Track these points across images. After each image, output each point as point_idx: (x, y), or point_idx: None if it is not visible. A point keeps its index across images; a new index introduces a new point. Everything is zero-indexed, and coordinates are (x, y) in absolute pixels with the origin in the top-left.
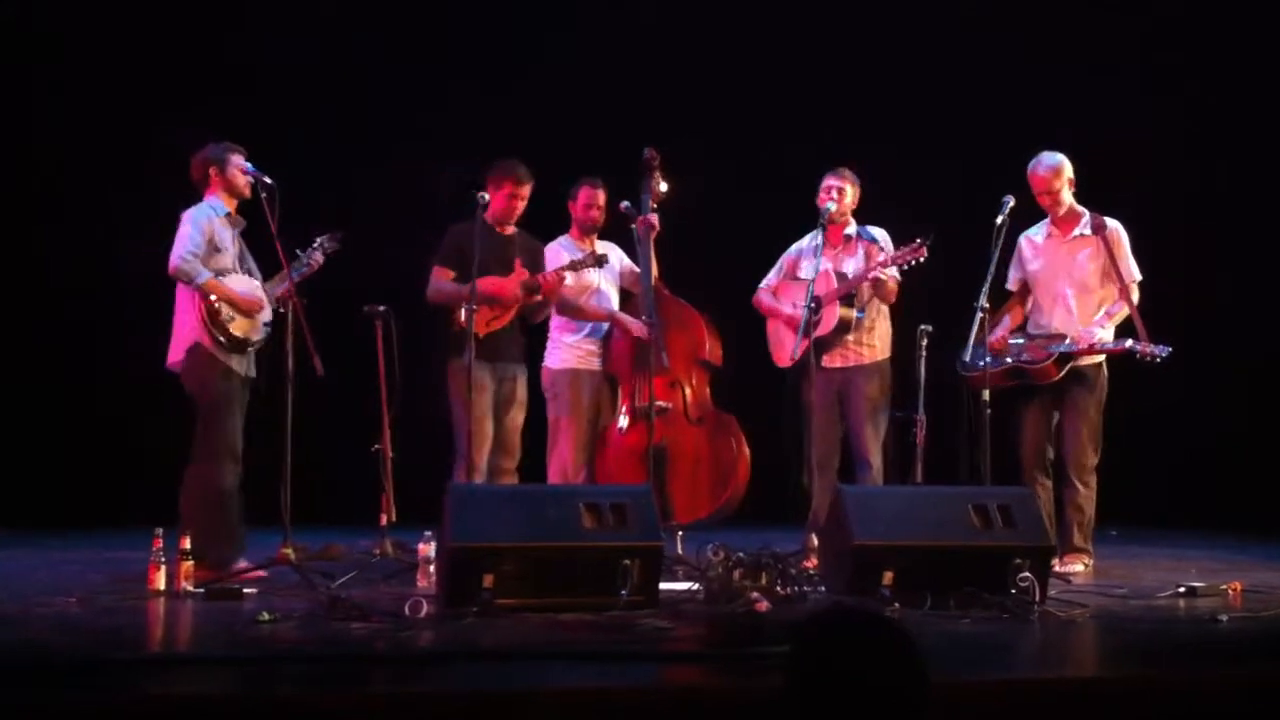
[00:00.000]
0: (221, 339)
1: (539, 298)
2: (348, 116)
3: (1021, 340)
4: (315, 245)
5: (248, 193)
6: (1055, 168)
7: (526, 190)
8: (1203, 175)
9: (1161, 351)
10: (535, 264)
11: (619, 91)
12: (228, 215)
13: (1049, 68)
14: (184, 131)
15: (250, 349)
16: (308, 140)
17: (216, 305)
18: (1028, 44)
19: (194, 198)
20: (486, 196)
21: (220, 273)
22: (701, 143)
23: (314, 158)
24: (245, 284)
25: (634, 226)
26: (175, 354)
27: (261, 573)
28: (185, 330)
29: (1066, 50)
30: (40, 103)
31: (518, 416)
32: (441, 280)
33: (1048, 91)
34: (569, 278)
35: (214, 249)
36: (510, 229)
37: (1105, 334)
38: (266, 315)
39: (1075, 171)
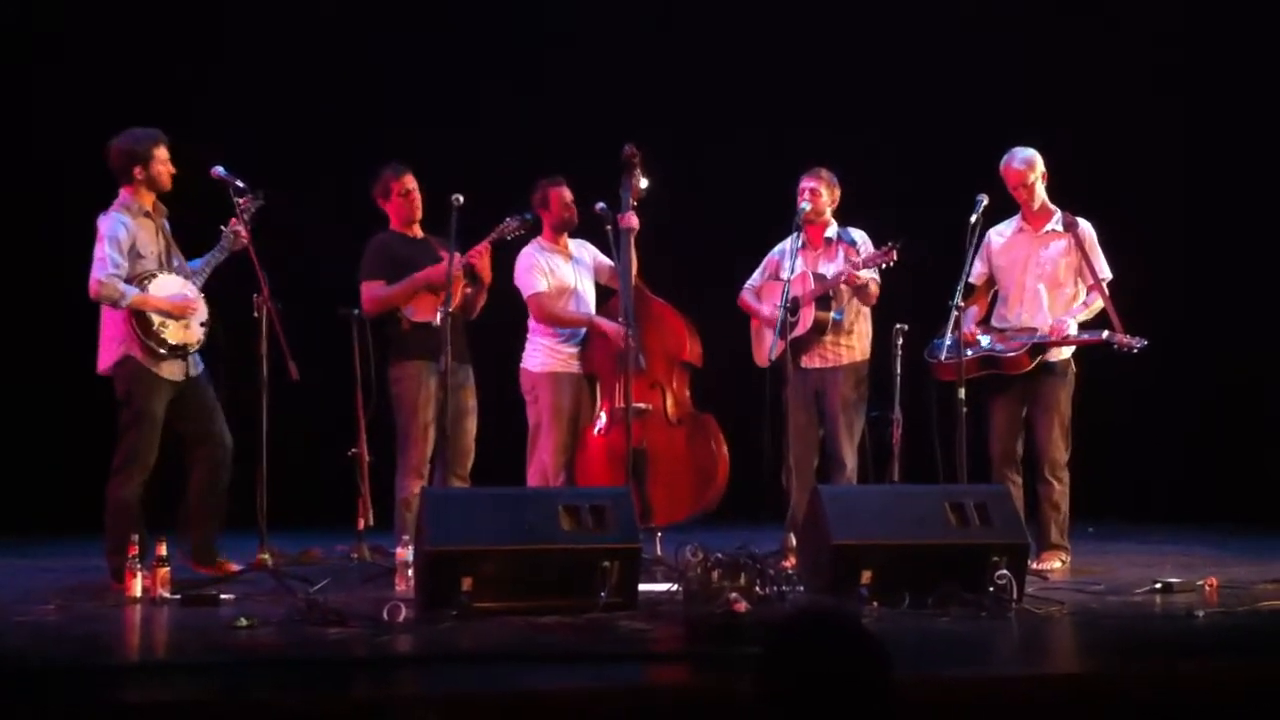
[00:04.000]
0: (160, 350)
1: (468, 289)
2: (326, 118)
3: (989, 336)
4: (238, 214)
5: (169, 186)
6: (1030, 160)
7: (410, 180)
8: (1194, 176)
9: (1138, 343)
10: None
11: (590, 88)
12: (146, 213)
13: (1026, 67)
14: (183, 132)
15: (190, 352)
16: (290, 142)
17: (149, 317)
18: (997, 45)
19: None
20: (460, 199)
21: (145, 277)
22: (681, 138)
23: (294, 159)
24: (173, 285)
25: (609, 228)
26: (104, 362)
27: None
28: (114, 342)
29: (1048, 52)
30: (40, 102)
31: (471, 422)
32: (375, 289)
33: (1021, 92)
34: (539, 261)
35: (136, 255)
36: (419, 232)
37: (1075, 326)
38: (202, 314)
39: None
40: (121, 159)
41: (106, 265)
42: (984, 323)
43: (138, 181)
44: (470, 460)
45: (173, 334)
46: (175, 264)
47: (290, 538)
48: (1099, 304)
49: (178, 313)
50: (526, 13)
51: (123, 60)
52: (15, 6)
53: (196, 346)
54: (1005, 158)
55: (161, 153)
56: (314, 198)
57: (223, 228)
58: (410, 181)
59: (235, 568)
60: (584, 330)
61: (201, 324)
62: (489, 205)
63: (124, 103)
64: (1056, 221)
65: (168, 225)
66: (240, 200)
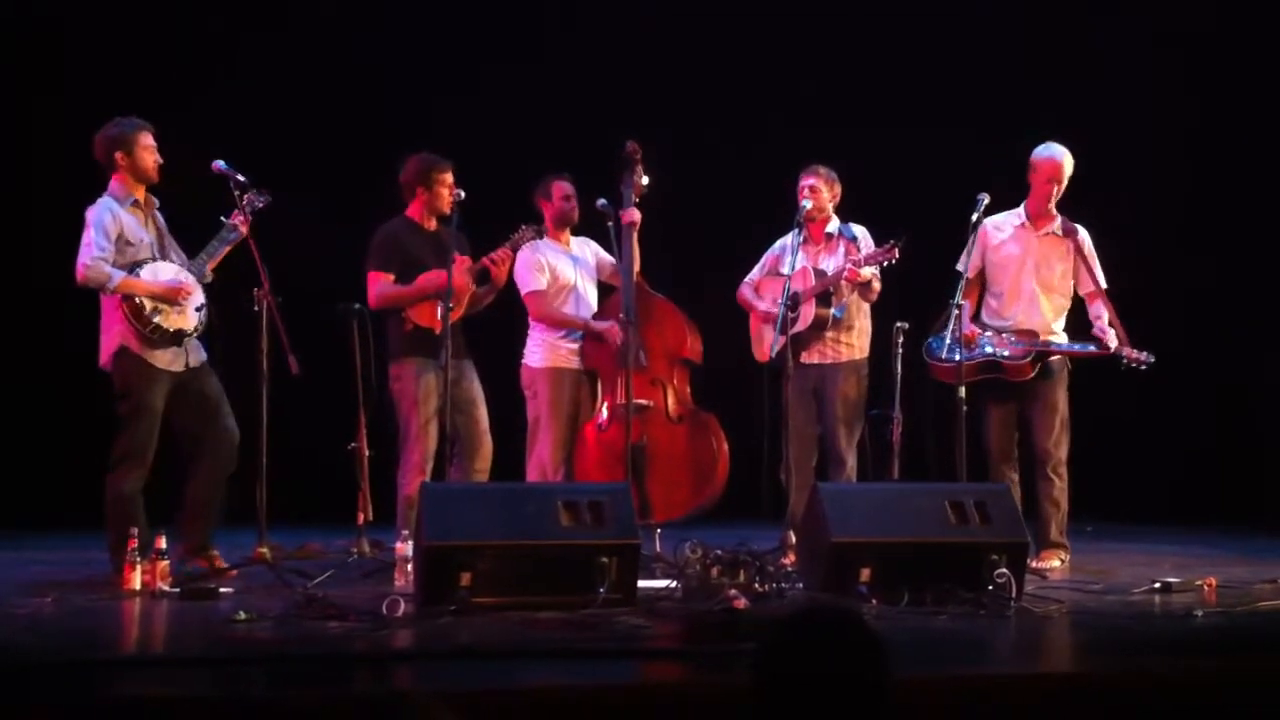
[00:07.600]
0: (153, 335)
1: (477, 289)
2: (327, 115)
3: (988, 334)
4: (240, 207)
5: (156, 176)
6: (1070, 158)
7: (450, 175)
8: (1197, 175)
9: (1147, 358)
10: (469, 253)
11: (590, 86)
12: (135, 203)
13: (1026, 67)
14: (181, 130)
15: (187, 339)
16: (289, 137)
17: (139, 302)
18: (997, 44)
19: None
20: (462, 194)
21: (136, 266)
22: (681, 135)
23: (291, 155)
24: (167, 272)
25: (611, 224)
26: (103, 355)
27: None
28: (111, 334)
29: (1042, 50)
30: (38, 99)
31: (481, 411)
32: (383, 284)
33: (1018, 91)
34: (540, 262)
35: (125, 244)
36: (433, 224)
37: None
38: (198, 299)
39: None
40: (105, 146)
41: (92, 249)
42: (975, 318)
43: (123, 170)
44: (489, 451)
45: (167, 319)
46: (170, 254)
47: (289, 532)
48: (1104, 315)
49: (170, 297)
50: (527, 9)
51: (122, 57)
52: (14, 4)
53: (194, 332)
54: (1045, 149)
55: (145, 140)
56: (314, 192)
57: (223, 219)
58: (450, 176)
59: (224, 564)
60: None
61: (197, 309)
62: (490, 201)
63: (123, 100)
64: (1057, 225)
65: (160, 217)
66: (245, 195)
